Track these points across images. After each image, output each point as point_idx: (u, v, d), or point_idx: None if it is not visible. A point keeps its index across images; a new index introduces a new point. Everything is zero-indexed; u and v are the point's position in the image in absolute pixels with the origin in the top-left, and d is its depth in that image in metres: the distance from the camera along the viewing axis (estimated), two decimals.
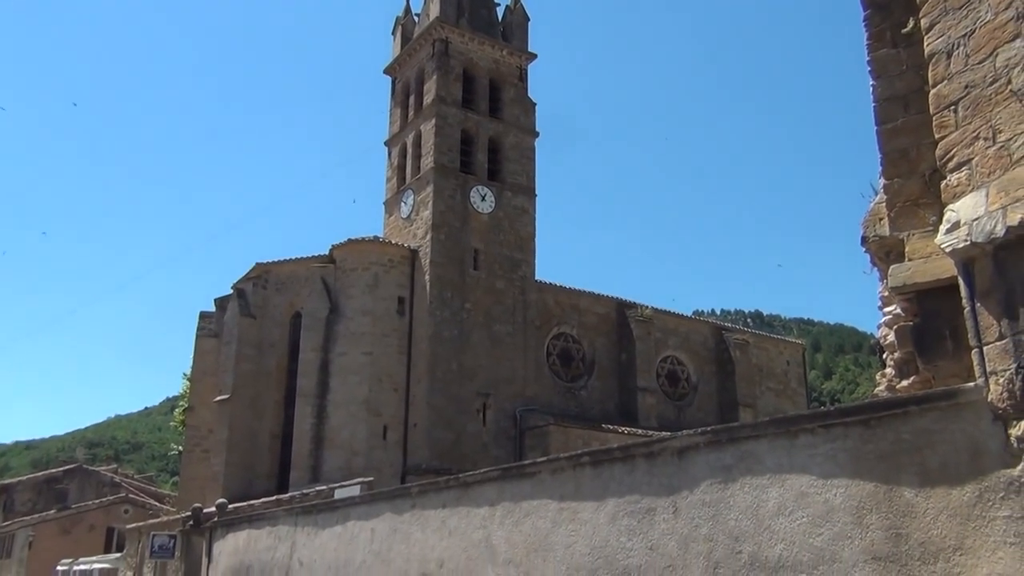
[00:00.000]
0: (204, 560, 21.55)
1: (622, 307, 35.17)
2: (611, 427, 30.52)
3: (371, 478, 22.94)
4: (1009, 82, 5.19)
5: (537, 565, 10.18)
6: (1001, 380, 5.22)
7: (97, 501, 39.16)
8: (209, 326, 34.14)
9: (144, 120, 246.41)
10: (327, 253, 31.41)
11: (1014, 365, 5.11)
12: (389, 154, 35.20)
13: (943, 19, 5.75)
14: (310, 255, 31.81)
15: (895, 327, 6.72)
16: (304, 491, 24.19)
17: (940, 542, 5.85)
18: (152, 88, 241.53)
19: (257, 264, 32.35)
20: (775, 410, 34.54)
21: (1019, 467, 5.37)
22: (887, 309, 6.99)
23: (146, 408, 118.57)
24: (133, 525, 29.95)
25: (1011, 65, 5.18)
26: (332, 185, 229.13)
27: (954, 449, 5.84)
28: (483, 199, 32.31)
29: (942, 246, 5.54)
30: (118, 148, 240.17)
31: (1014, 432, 5.26)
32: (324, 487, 23.27)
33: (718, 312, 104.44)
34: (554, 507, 10.04)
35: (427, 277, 30.35)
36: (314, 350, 29.82)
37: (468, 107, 33.46)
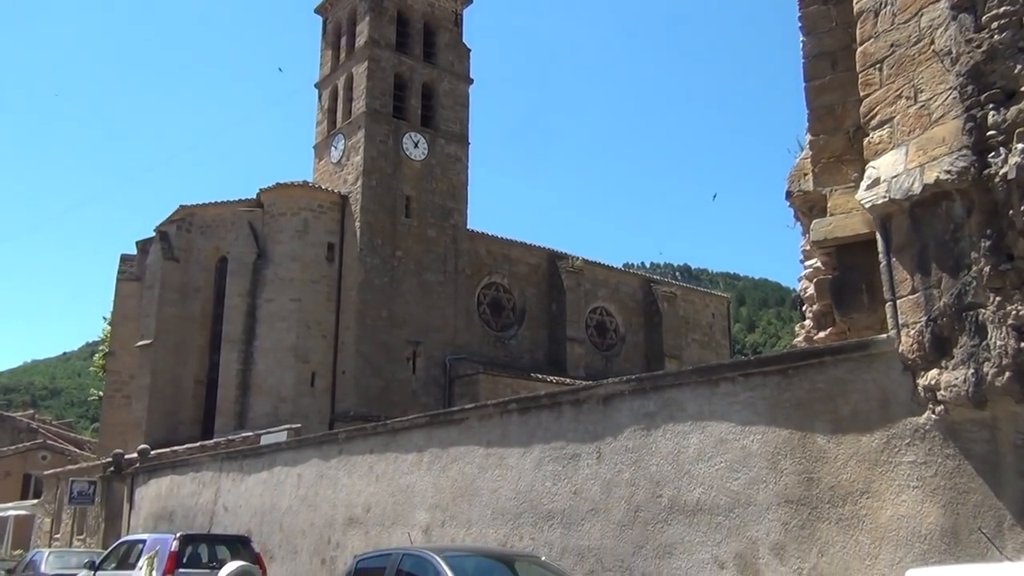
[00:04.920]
0: (126, 506, 21.31)
1: (553, 258, 35.41)
2: (540, 376, 30.90)
3: (298, 425, 22.88)
4: (932, 42, 5.33)
5: (463, 509, 10.35)
6: (912, 332, 5.45)
7: (13, 447, 38.13)
8: (130, 269, 33.29)
9: (62, 54, 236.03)
10: (255, 197, 30.81)
11: (924, 318, 5.33)
12: (319, 97, 34.45)
13: None
14: (237, 199, 31.19)
15: (815, 280, 6.93)
16: (229, 437, 24.00)
17: (849, 486, 6.14)
18: (71, 21, 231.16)
19: (181, 207, 31.56)
20: (700, 361, 35.36)
21: (925, 415, 5.64)
22: (808, 263, 7.20)
23: (65, 353, 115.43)
24: (51, 471, 29.34)
25: (935, 25, 5.31)
26: (260, 127, 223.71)
27: (865, 398, 6.11)
28: (416, 146, 31.96)
29: (862, 202, 5.72)
30: (35, 83, 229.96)
31: (922, 382, 5.51)
32: (250, 433, 23.12)
33: (647, 265, 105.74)
34: (481, 453, 10.19)
35: (357, 224, 30.02)
36: (240, 295, 29.38)
37: (402, 51, 32.87)
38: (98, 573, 13.26)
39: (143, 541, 12.88)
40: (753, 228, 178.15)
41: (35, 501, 30.14)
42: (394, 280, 30.26)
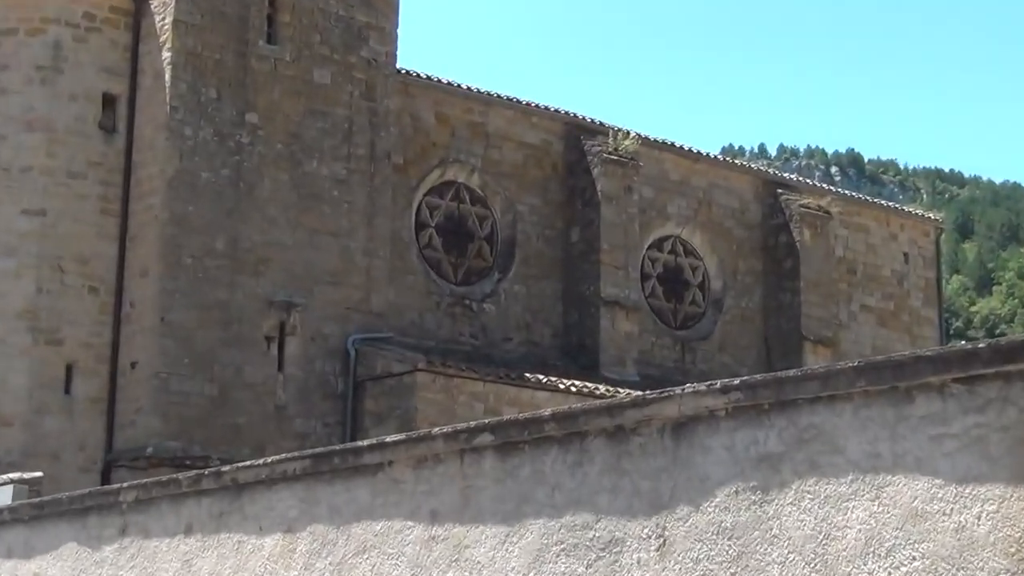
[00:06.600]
0: None
1: (576, 133, 35.31)
2: (543, 378, 31.01)
3: (38, 473, 22.97)
4: None
5: None
6: None
7: None
8: None
9: None
10: None
11: None
12: None
13: None
14: None
15: None
16: None
17: None
18: None
19: None
20: (876, 350, 35.47)
21: None
22: None
23: None
24: None
25: None
26: None
27: None
28: None
29: None
30: None
31: None
32: None
33: (772, 153, 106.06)
34: (417, 535, 10.24)
35: (167, 53, 29.88)
36: None
37: None
38: None
39: None
40: (986, 88, 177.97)
41: None
42: (240, 174, 30.21)
